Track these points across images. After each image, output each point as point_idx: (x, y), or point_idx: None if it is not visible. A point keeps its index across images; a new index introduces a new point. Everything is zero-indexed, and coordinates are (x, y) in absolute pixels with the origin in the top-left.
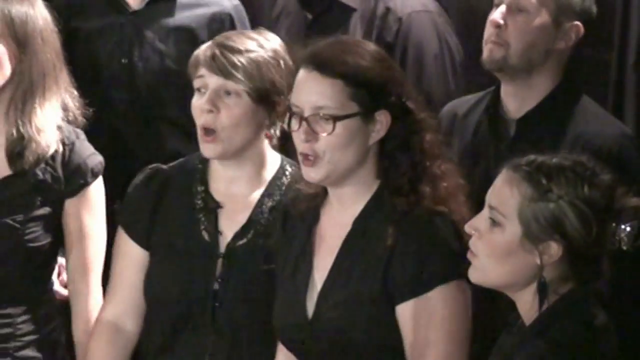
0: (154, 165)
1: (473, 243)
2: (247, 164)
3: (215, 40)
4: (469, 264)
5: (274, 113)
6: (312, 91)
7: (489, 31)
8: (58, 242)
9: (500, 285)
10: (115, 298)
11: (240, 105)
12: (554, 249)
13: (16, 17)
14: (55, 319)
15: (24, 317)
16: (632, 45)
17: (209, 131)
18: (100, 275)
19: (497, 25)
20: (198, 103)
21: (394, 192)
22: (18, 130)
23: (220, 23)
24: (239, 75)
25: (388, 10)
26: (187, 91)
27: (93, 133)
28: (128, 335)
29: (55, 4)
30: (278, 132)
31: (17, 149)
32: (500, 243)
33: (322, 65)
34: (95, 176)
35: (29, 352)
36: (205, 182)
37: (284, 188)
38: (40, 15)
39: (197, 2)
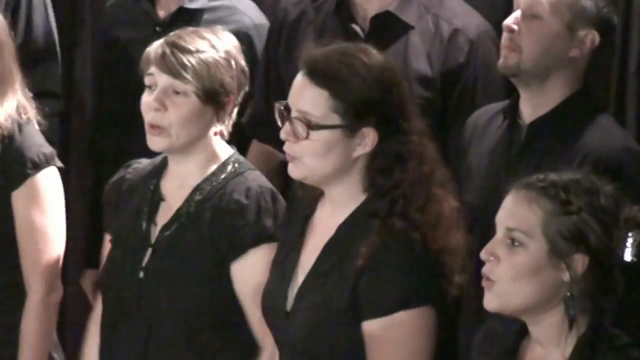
0: (130, 162)
1: (490, 270)
2: (195, 160)
3: (167, 39)
4: (438, 290)
5: (223, 112)
6: (300, 95)
7: (504, 36)
8: (8, 239)
9: (525, 307)
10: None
11: (188, 104)
12: (580, 261)
13: None
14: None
15: None
16: (633, 53)
17: (155, 127)
18: (58, 272)
19: (511, 30)
20: (146, 100)
21: (370, 213)
22: None
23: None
24: (188, 76)
25: (457, 31)
26: None
27: (124, 141)
28: None
29: (100, 14)
30: (229, 129)
31: None
32: (525, 263)
33: (314, 73)
34: (36, 167)
35: None
36: (159, 176)
37: (214, 183)
38: None
39: (219, 18)
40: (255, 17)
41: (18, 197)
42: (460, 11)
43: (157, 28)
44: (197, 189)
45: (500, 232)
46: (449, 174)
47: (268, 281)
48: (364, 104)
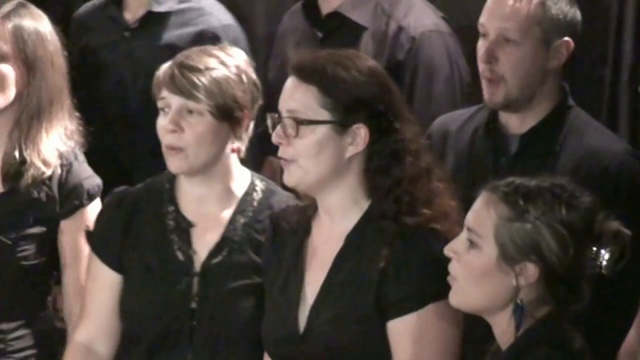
0: (121, 187)
1: (452, 266)
2: (215, 181)
3: (175, 60)
4: None
5: (239, 128)
6: (289, 96)
7: (483, 68)
8: (54, 262)
9: (478, 308)
10: (87, 321)
11: (203, 123)
12: (531, 270)
13: (29, 40)
14: (53, 337)
15: (17, 334)
16: (626, 63)
17: (174, 149)
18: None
19: (487, 61)
20: (162, 123)
21: (379, 215)
22: (21, 154)
23: (204, 42)
24: (200, 95)
25: (401, 29)
26: None
27: (91, 152)
28: (100, 359)
29: (71, 22)
30: (246, 145)
31: (15, 169)
32: (477, 265)
33: (301, 71)
34: (91, 198)
35: None
36: (174, 202)
37: (255, 204)
38: (52, 39)
39: (187, 20)
40: (222, 18)
41: (68, 226)
42: (413, 10)
43: (126, 33)
44: (237, 212)
45: (464, 230)
46: (447, 175)
47: (268, 315)
48: (353, 99)
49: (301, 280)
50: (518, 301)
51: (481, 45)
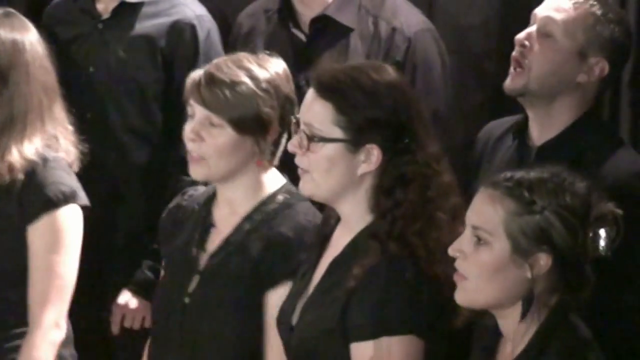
0: (186, 189)
1: (459, 265)
2: (240, 188)
3: (206, 69)
4: (426, 320)
5: (263, 142)
6: (308, 108)
7: (515, 50)
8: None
9: (492, 303)
10: None
11: (224, 136)
12: (544, 260)
13: (1, 48)
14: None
15: (12, 343)
16: (629, 63)
17: (194, 156)
18: (63, 310)
19: (522, 45)
20: (186, 130)
21: (370, 234)
22: None
23: (180, 32)
24: (222, 109)
25: (394, 30)
26: (150, 100)
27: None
28: None
29: (43, 15)
30: (277, 156)
31: None
32: (489, 261)
33: (320, 86)
34: (52, 205)
35: None
36: (210, 203)
37: (264, 215)
38: (31, 49)
39: (160, 11)
40: (196, 9)
41: (33, 232)
42: (400, 11)
43: (99, 25)
44: (247, 218)
45: (467, 228)
46: (463, 204)
47: (285, 298)
48: (367, 120)
49: (311, 276)
50: (530, 293)
51: (524, 31)
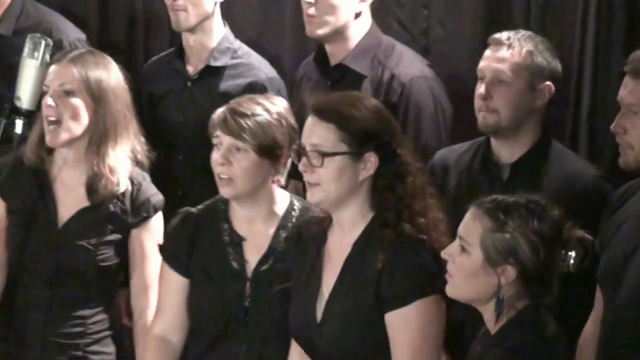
0: (185, 208)
1: (449, 266)
2: (260, 204)
3: (228, 106)
4: (444, 281)
5: (278, 163)
6: (311, 132)
7: (478, 102)
8: (124, 263)
9: (469, 299)
10: (162, 316)
11: (248, 159)
12: (510, 271)
13: (91, 77)
14: (120, 324)
15: (95, 319)
16: (585, 104)
17: (224, 178)
18: (158, 291)
19: (484, 98)
20: (215, 157)
21: (381, 224)
22: (93, 169)
23: (253, 91)
24: (246, 136)
25: (393, 76)
26: None
27: (158, 180)
28: (174, 347)
29: (139, 73)
30: (285, 176)
31: (94, 185)
32: (467, 266)
33: (321, 112)
34: (156, 211)
35: (98, 347)
36: (228, 221)
37: (294, 220)
38: (114, 76)
39: (239, 73)
40: (268, 72)
41: (138, 234)
42: (404, 61)
43: (188, 83)
44: (280, 227)
45: (457, 238)
46: (436, 190)
47: (293, 305)
48: (365, 133)
49: (319, 279)
50: (500, 296)
51: (479, 86)
